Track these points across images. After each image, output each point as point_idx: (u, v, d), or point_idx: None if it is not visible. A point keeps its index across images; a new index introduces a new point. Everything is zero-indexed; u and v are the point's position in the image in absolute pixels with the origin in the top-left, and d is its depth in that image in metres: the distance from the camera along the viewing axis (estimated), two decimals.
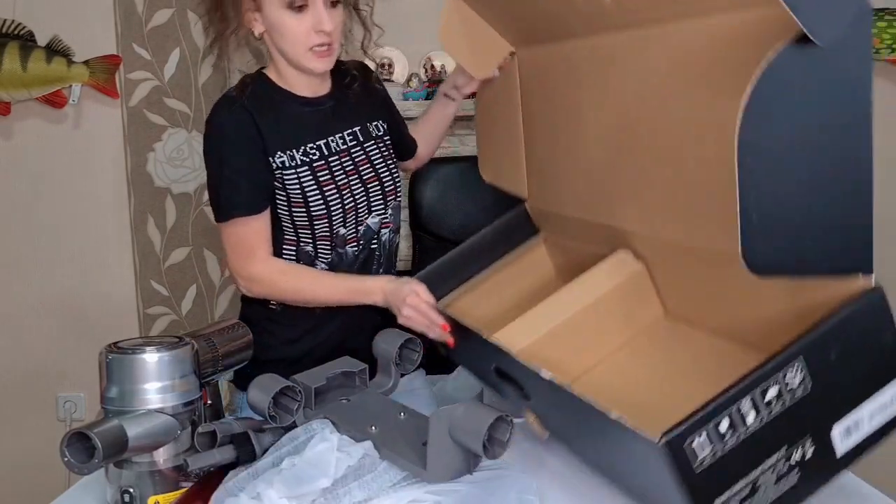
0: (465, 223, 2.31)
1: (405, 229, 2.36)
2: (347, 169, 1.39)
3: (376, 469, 0.95)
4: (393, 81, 2.43)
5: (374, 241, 1.43)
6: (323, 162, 1.37)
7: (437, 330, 1.25)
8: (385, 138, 1.48)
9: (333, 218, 1.37)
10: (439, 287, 1.35)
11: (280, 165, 1.34)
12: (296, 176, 1.35)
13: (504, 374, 1.10)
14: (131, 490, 0.97)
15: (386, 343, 1.21)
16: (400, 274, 1.42)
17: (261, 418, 1.06)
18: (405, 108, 2.16)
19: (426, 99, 2.38)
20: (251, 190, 1.34)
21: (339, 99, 1.43)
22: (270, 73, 1.40)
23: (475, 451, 0.93)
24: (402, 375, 1.25)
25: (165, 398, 0.98)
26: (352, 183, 1.39)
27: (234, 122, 1.33)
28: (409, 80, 2.45)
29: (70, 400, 2.55)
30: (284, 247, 1.40)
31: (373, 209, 1.41)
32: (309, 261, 1.40)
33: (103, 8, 2.46)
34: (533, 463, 1.07)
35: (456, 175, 2.34)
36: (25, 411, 2.56)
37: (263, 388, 1.05)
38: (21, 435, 2.56)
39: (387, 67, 2.44)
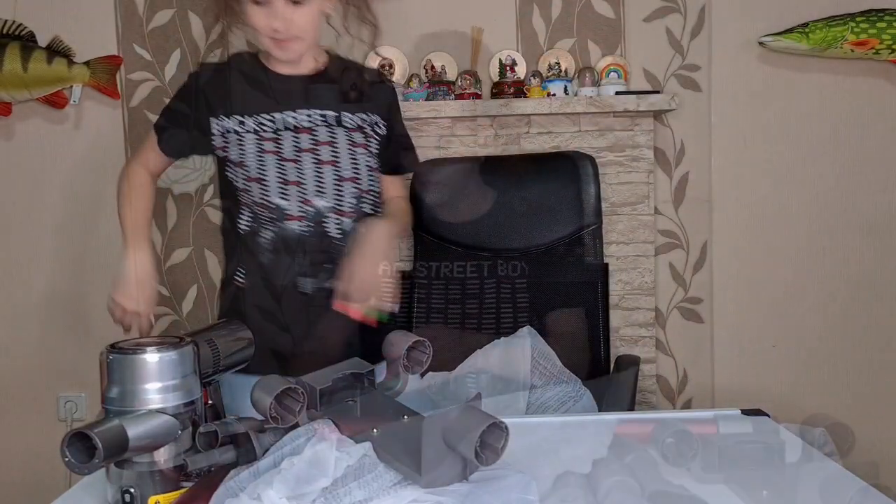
0: (465, 223, 2.31)
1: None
2: (304, 146, 1.47)
3: (376, 469, 0.95)
4: (393, 82, 2.43)
5: (325, 224, 1.46)
6: (273, 132, 1.47)
7: None
8: (364, 130, 1.52)
9: (271, 185, 1.44)
10: None
11: (223, 129, 1.47)
12: (239, 140, 1.46)
13: None
14: (132, 490, 0.97)
15: (394, 344, 1.21)
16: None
17: (262, 418, 1.06)
18: (405, 108, 2.16)
19: (427, 100, 2.38)
20: (176, 133, 1.55)
21: (319, 82, 1.52)
22: (261, 55, 1.54)
23: (468, 457, 0.92)
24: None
25: (166, 398, 0.98)
26: (303, 159, 1.46)
27: (195, 76, 1.55)
28: (409, 80, 2.45)
29: (71, 400, 2.55)
30: (241, 211, 1.49)
31: (322, 190, 1.46)
32: (254, 228, 1.47)
33: (104, 8, 2.47)
34: (533, 463, 1.07)
35: (456, 175, 2.34)
36: (26, 411, 2.57)
37: (266, 389, 1.05)
38: (22, 435, 2.56)
39: (387, 68, 2.44)
